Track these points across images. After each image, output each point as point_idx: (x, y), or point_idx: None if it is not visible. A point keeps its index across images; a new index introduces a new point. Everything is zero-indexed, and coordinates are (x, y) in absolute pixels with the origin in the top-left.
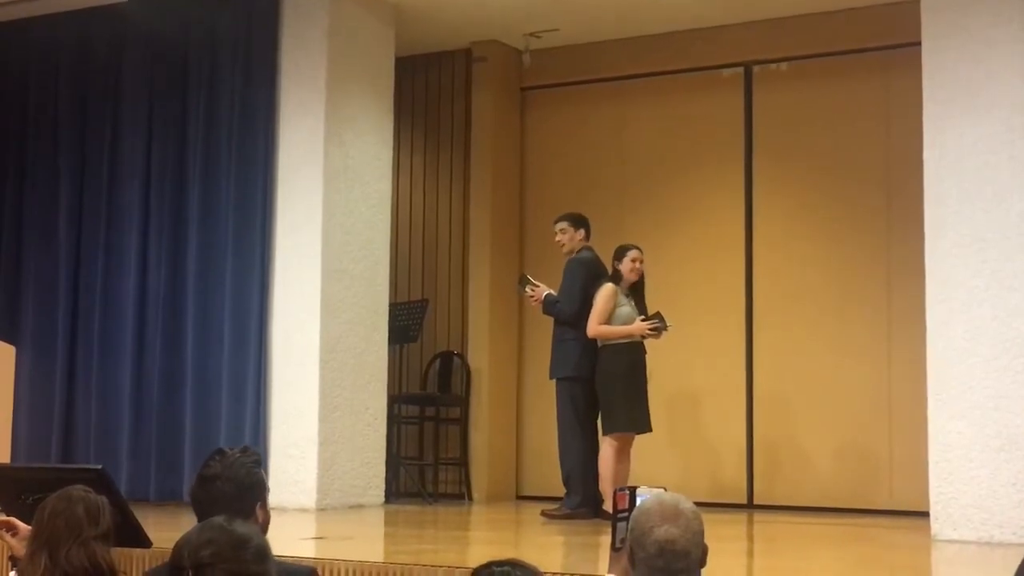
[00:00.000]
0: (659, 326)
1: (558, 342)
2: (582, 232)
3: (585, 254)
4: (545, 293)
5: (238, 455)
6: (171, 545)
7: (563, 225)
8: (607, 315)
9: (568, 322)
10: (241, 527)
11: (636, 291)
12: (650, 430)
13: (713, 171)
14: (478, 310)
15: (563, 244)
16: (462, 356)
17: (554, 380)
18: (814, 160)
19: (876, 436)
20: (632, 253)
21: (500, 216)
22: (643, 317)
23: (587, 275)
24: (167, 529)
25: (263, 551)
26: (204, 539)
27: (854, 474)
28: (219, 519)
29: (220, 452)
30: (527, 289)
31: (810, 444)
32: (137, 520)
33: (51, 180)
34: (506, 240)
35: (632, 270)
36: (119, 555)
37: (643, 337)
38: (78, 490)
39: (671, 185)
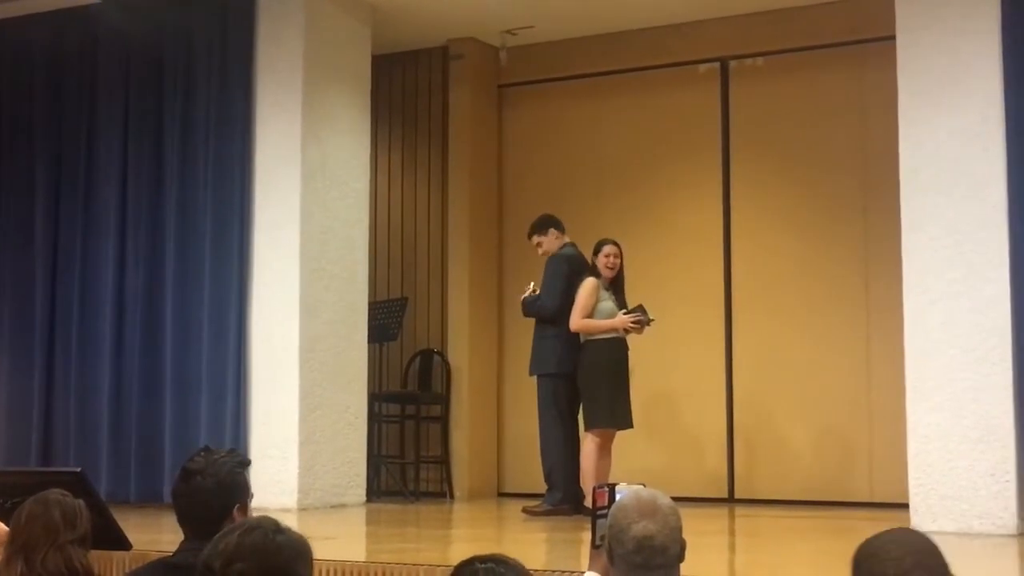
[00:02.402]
0: (641, 319)
1: (539, 338)
2: (554, 232)
3: (567, 250)
4: (525, 294)
5: (224, 454)
6: (151, 547)
7: (536, 238)
8: (589, 309)
9: (550, 318)
10: (287, 544)
11: (616, 286)
12: (631, 426)
13: (690, 166)
14: (457, 308)
15: (547, 252)
16: (442, 354)
17: (535, 376)
18: (791, 154)
19: (856, 428)
20: (606, 248)
21: (478, 213)
22: (625, 311)
23: (569, 271)
24: (147, 531)
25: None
26: (241, 553)
27: (834, 467)
28: (267, 528)
29: (206, 449)
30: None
31: (790, 437)
32: (116, 522)
33: (27, 180)
34: (485, 237)
35: (606, 266)
36: (98, 558)
37: (625, 331)
38: (55, 494)
39: (649, 180)
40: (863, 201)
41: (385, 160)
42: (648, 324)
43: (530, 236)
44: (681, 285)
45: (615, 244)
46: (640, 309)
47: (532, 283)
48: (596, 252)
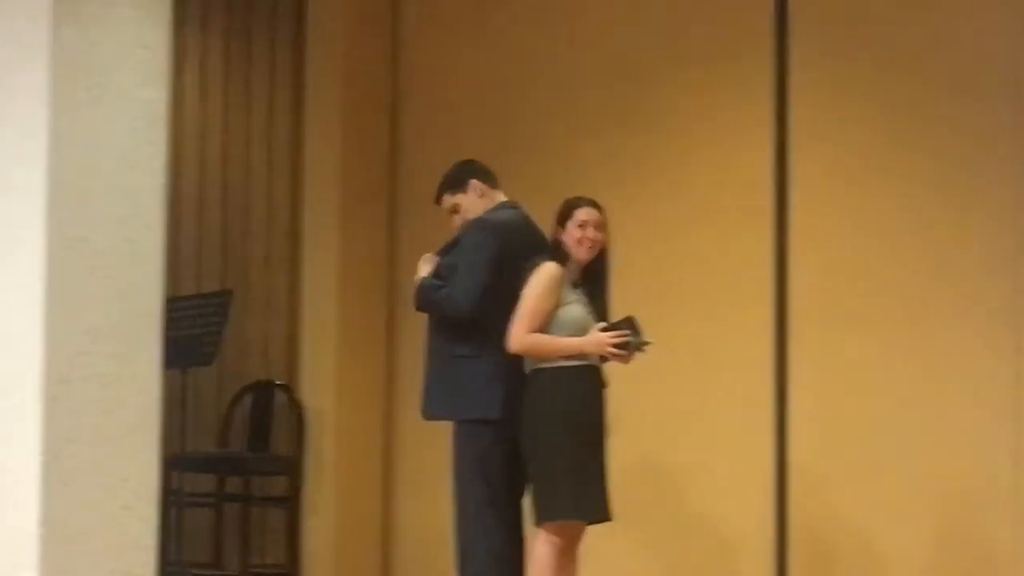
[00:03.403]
0: (629, 340)
1: (444, 360)
2: (478, 186)
3: (503, 214)
4: (421, 276)
5: None
6: None
7: (449, 199)
8: (543, 316)
9: (462, 318)
10: None
11: (593, 279)
12: (610, 517)
13: (723, 74)
14: (319, 310)
15: (465, 219)
16: (290, 388)
17: (439, 423)
18: (890, 59)
19: (995, 514)
20: (580, 213)
21: (356, 148)
22: (604, 325)
23: (503, 246)
24: None
25: None
26: None
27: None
28: None
29: None
30: None
31: (886, 536)
32: None
33: None
34: (367, 193)
35: (579, 242)
36: None
37: (603, 357)
38: None
39: (651, 97)
40: (1012, 135)
41: (196, 53)
42: (640, 349)
43: (439, 198)
44: (701, 279)
45: (594, 206)
46: (628, 324)
47: (431, 256)
48: (562, 219)
